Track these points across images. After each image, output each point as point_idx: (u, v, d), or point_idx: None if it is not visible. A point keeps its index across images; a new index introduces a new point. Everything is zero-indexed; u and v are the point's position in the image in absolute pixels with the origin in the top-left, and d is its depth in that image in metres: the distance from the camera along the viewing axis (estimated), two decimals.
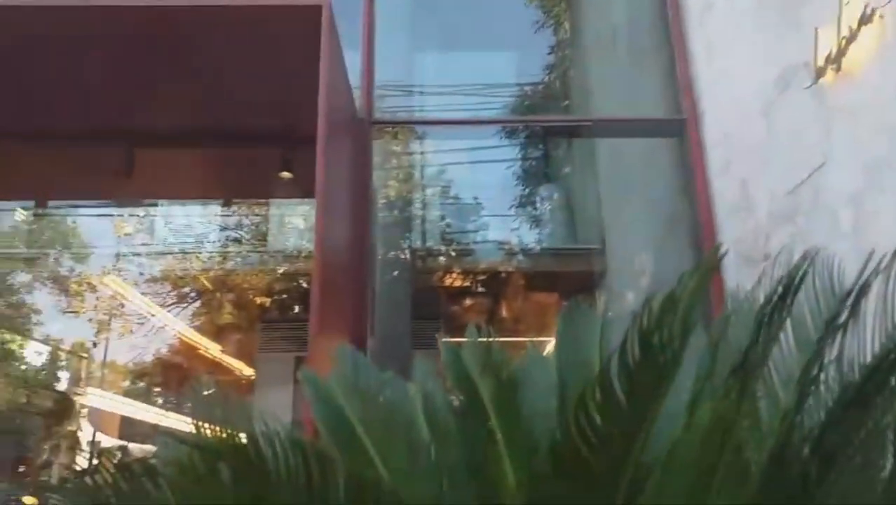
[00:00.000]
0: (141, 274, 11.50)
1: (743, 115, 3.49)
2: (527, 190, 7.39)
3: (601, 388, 0.90)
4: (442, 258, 7.25)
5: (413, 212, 7.07)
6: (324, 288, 2.70)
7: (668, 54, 4.32)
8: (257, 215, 10.73)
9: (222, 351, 13.51)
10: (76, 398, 14.33)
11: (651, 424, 0.96)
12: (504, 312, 7.65)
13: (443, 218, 7.71)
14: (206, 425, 1.37)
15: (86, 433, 14.27)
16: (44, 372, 14.76)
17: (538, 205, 7.24)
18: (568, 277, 6.46)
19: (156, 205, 9.97)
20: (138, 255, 10.97)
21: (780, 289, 1.00)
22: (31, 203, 8.59)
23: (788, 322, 1.28)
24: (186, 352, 13.60)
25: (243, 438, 1.28)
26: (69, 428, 13.46)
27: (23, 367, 13.94)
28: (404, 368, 1.65)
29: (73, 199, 7.59)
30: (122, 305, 12.44)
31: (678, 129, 4.10)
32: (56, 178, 5.00)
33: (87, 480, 0.86)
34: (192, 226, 10.95)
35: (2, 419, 13.29)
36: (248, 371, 12.97)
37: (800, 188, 2.94)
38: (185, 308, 12.80)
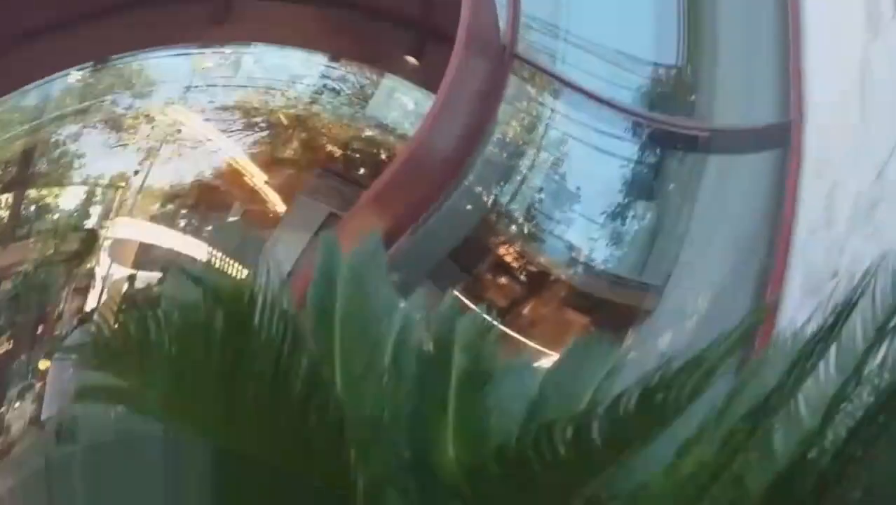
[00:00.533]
0: (210, 102, 11.65)
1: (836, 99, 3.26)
2: (626, 200, 7.17)
3: (576, 426, 0.92)
4: (513, 227, 7.18)
5: (518, 164, 6.97)
6: (401, 172, 2.76)
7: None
8: (367, 78, 10.71)
9: (266, 182, 13.72)
10: (101, 231, 14.49)
11: (622, 466, 0.97)
12: (527, 310, 7.57)
13: (540, 190, 7.57)
14: (219, 255, 1.45)
15: (102, 267, 14.53)
16: (76, 214, 14.79)
17: (626, 223, 7.03)
18: (611, 306, 6.36)
19: (248, 45, 10.03)
20: (213, 86, 11.11)
21: (822, 332, 1.03)
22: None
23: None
24: (229, 176, 13.88)
25: (241, 282, 1.32)
26: (88, 266, 13.62)
27: (55, 216, 13.93)
28: (410, 288, 1.70)
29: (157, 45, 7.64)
30: (179, 131, 12.70)
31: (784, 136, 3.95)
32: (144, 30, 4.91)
33: (94, 320, 0.93)
34: (287, 66, 11.02)
35: (27, 280, 13.33)
36: (281, 208, 13.19)
37: (886, 169, 2.66)
38: (247, 136, 13.01)
